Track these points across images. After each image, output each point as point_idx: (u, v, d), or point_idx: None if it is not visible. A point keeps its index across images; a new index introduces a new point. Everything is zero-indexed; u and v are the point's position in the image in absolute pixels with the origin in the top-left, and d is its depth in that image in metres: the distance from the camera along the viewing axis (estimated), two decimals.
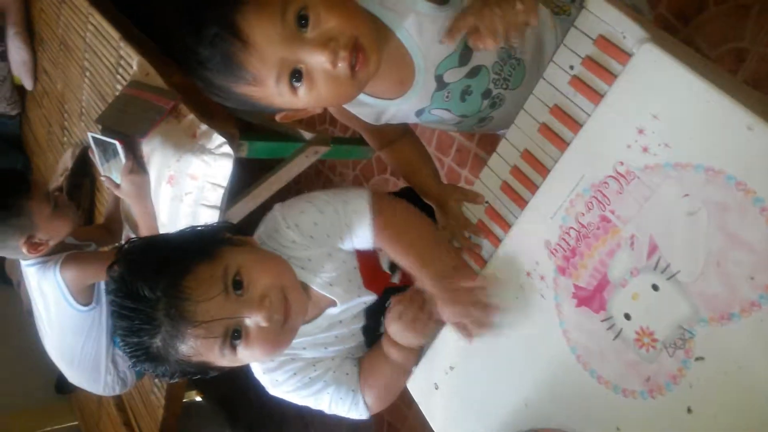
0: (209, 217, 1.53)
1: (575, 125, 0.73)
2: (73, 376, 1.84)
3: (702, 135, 0.61)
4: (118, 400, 2.23)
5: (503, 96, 0.95)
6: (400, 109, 0.94)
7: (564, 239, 0.73)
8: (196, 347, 0.78)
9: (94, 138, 1.71)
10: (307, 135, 1.81)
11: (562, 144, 0.74)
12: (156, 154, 1.64)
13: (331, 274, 0.92)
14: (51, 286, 1.67)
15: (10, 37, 2.75)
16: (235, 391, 2.74)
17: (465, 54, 0.88)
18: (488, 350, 0.83)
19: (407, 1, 0.83)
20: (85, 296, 1.71)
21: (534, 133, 0.84)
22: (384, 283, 0.97)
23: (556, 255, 0.74)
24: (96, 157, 1.74)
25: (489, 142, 1.88)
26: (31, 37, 2.79)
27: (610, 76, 0.70)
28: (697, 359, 0.62)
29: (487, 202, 0.91)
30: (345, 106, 0.95)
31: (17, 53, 2.76)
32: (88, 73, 2.26)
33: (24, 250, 1.62)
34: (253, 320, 0.80)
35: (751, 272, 0.57)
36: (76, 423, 2.71)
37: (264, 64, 0.73)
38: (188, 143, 1.56)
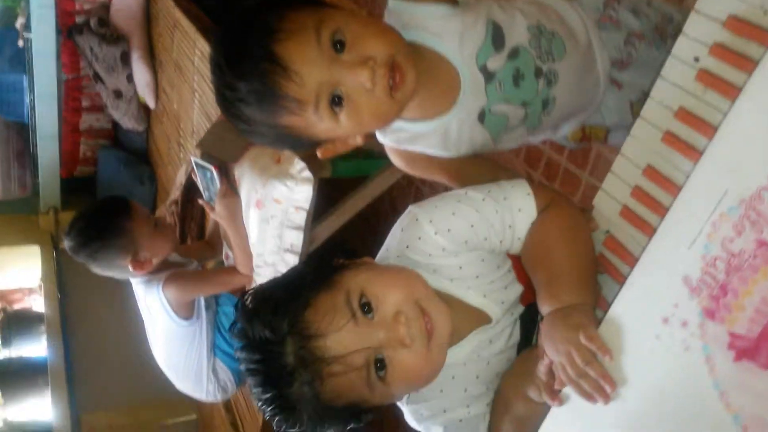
0: (295, 238, 1.61)
1: (710, 129, 0.58)
2: (179, 384, 1.96)
3: None
4: (227, 402, 2.31)
5: (555, 70, 0.90)
6: (461, 121, 0.87)
7: (709, 273, 0.57)
8: (338, 387, 0.69)
9: (195, 162, 1.82)
10: None
11: (696, 153, 0.60)
12: (245, 178, 1.72)
13: (486, 283, 0.80)
14: (155, 302, 1.78)
15: (135, 61, 3.02)
16: None
17: (496, 37, 0.86)
18: (623, 422, 0.66)
19: (423, 14, 0.85)
20: (185, 311, 1.81)
21: (657, 143, 0.70)
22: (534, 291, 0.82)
23: (700, 294, 0.58)
24: (198, 180, 1.85)
25: (579, 155, 1.73)
26: (153, 59, 3.05)
27: (751, 63, 0.56)
28: None
29: (607, 231, 0.77)
30: (412, 150, 0.90)
31: (141, 75, 3.02)
32: (197, 95, 2.39)
33: (130, 268, 1.73)
34: (392, 343, 0.70)
35: None
36: (194, 417, 2.93)
37: (303, 89, 0.74)
38: (273, 168, 1.63)
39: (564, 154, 1.80)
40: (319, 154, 0.85)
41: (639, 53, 0.95)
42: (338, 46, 0.75)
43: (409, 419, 0.83)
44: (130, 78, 3.08)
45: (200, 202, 1.86)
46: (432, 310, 0.72)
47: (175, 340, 1.84)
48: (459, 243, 0.78)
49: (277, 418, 0.73)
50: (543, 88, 0.89)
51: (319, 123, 0.77)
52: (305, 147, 0.84)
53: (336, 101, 0.76)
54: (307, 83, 0.74)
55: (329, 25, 0.74)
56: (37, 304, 3.59)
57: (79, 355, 3.15)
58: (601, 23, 0.94)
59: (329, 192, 1.61)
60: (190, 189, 2.19)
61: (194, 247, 2.13)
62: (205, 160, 1.79)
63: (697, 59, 0.66)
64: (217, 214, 1.79)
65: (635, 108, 0.96)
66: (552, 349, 0.70)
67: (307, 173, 1.53)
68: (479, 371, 0.80)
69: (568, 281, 0.73)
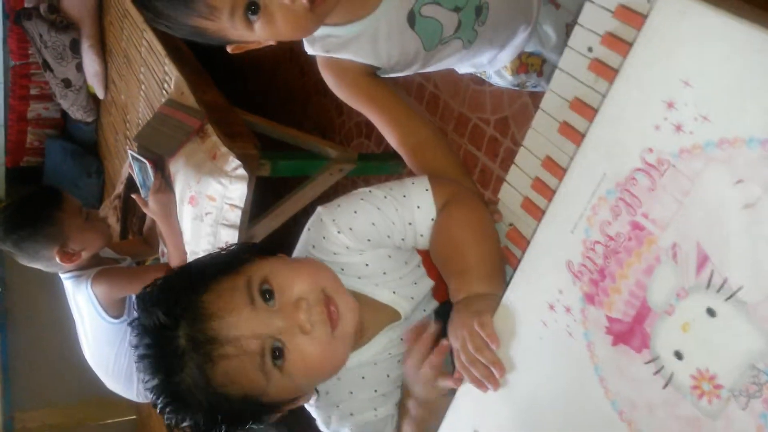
0: (229, 236, 1.58)
1: None
2: (109, 384, 1.92)
3: (752, 97, 0.44)
4: None
5: None
6: (390, 22, 0.84)
7: (589, 257, 0.57)
8: (230, 372, 0.66)
9: (132, 156, 1.79)
10: (333, 152, 1.79)
11: None
12: (180, 174, 1.69)
13: (395, 279, 0.78)
14: (84, 299, 1.74)
15: (85, 50, 2.94)
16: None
17: None
18: (514, 407, 0.66)
19: None
20: (115, 309, 1.77)
21: (554, 134, 0.70)
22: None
23: (581, 279, 0.57)
24: (134, 174, 1.82)
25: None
26: (103, 49, 2.98)
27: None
28: None
29: (510, 224, 0.76)
30: (343, 61, 0.87)
31: (90, 65, 2.95)
32: (143, 86, 2.35)
33: (57, 259, 1.69)
34: (292, 330, 0.67)
35: None
36: (134, 417, 2.91)
37: None
38: (208, 164, 1.60)
39: (497, 161, 1.81)
40: (229, 49, 0.82)
41: None
42: None
43: (319, 423, 0.81)
44: (79, 67, 3.01)
45: (134, 197, 1.81)
46: (339, 300, 0.70)
47: (104, 339, 1.79)
48: (362, 241, 0.76)
49: (168, 409, 0.69)
50: None
51: (233, 30, 0.75)
52: (217, 45, 0.82)
53: (252, 10, 0.73)
54: None
55: None
56: None
57: (16, 352, 3.08)
58: None
59: (270, 191, 1.57)
60: (133, 183, 2.13)
61: (130, 243, 2.08)
62: (141, 154, 1.75)
63: (590, 49, 0.65)
64: (150, 210, 1.75)
65: (570, 30, 0.95)
66: (452, 336, 0.70)
67: (242, 171, 1.51)
68: (390, 370, 0.79)
69: (476, 273, 0.72)
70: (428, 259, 0.81)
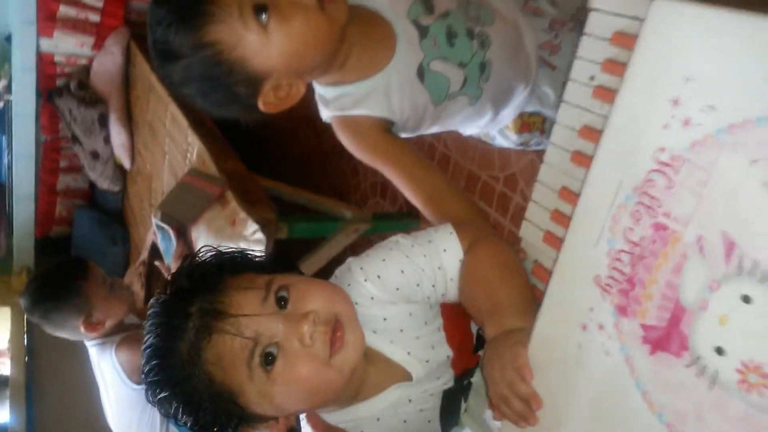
0: None
1: None
2: None
3: (753, 79, 0.46)
4: None
5: (486, 33, 0.94)
6: (401, 75, 0.89)
7: (616, 268, 0.56)
8: (219, 351, 0.65)
9: (156, 224, 1.85)
10: (348, 213, 1.84)
11: None
12: (201, 240, 1.75)
13: (411, 339, 0.76)
14: (108, 366, 1.76)
15: (112, 123, 3.06)
16: None
17: (425, 2, 0.91)
18: None
19: None
20: (138, 375, 1.77)
21: (567, 165, 0.71)
22: (468, 359, 0.80)
23: (610, 292, 0.56)
24: (158, 241, 1.88)
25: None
26: (130, 121, 3.10)
27: None
28: None
29: (535, 261, 0.76)
30: (359, 118, 0.90)
31: (117, 137, 3.05)
32: (167, 157, 2.44)
33: (82, 329, 1.72)
34: (291, 338, 0.66)
35: None
36: None
37: None
38: (227, 230, 1.65)
39: (507, 217, 1.83)
40: (261, 105, 0.83)
41: (564, 37, 0.99)
42: None
43: None
44: (107, 139, 3.15)
45: (157, 264, 1.87)
46: (348, 328, 0.69)
47: (126, 405, 1.79)
48: (390, 290, 0.75)
49: (153, 376, 0.68)
50: (478, 50, 0.92)
51: (247, 34, 0.76)
52: (245, 94, 0.82)
53: (261, 10, 0.75)
54: None
55: None
56: (5, 368, 3.45)
57: (41, 422, 3.02)
58: (524, 11, 1.00)
59: (287, 253, 1.61)
60: (157, 250, 2.19)
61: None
62: (165, 222, 1.82)
63: (592, 78, 0.68)
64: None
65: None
66: (485, 372, 0.68)
67: (260, 235, 1.55)
68: (393, 429, 0.76)
69: (508, 310, 0.71)
70: (448, 326, 0.80)
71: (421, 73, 0.90)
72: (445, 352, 0.78)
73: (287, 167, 3.11)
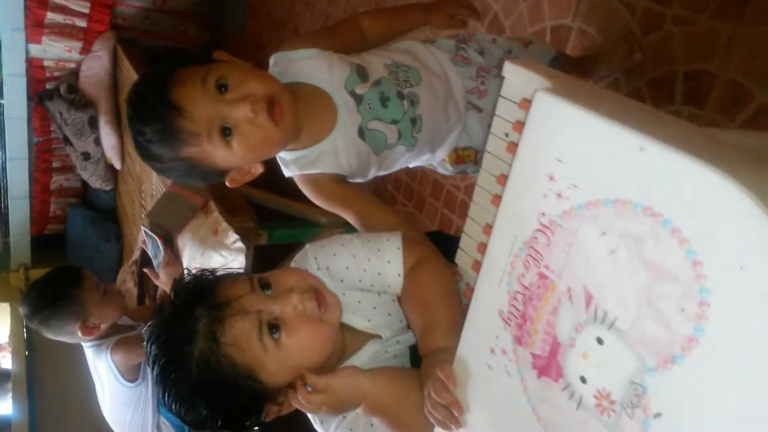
0: None
1: None
2: None
3: (603, 168, 0.57)
4: None
5: (415, 93, 1.09)
6: (345, 137, 1.05)
7: (513, 305, 0.68)
8: (234, 333, 0.77)
9: (145, 232, 1.98)
10: (324, 219, 1.99)
11: None
12: (186, 248, 1.87)
13: (369, 309, 0.90)
14: (104, 366, 1.90)
15: (102, 125, 3.22)
16: None
17: (360, 70, 1.07)
18: None
19: (296, 56, 1.06)
20: (132, 374, 1.93)
21: (489, 205, 0.82)
22: None
23: (510, 324, 0.69)
24: (148, 248, 2.00)
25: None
26: (119, 123, 3.23)
27: None
28: (655, 416, 0.53)
29: (467, 284, 0.88)
30: (317, 176, 1.06)
31: (107, 138, 3.22)
32: None
33: (79, 333, 1.86)
34: (286, 309, 0.80)
35: (680, 303, 0.50)
36: None
37: (195, 123, 0.90)
38: (210, 239, 1.77)
39: (461, 190, 1.98)
40: (227, 182, 1.01)
41: (489, 83, 1.13)
42: (222, 89, 0.92)
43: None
44: (97, 141, 3.29)
45: (145, 270, 2.00)
46: (325, 292, 0.84)
47: (122, 402, 1.94)
48: (336, 280, 0.90)
49: (177, 397, 0.79)
50: (409, 108, 1.09)
51: (215, 151, 0.93)
52: (213, 178, 1.00)
53: (226, 132, 0.92)
54: (198, 118, 0.90)
55: (214, 74, 0.93)
56: (6, 361, 3.60)
57: (43, 415, 3.17)
58: (455, 60, 1.14)
59: (266, 257, 1.73)
60: (146, 256, 2.30)
61: (145, 309, 2.23)
62: (153, 231, 1.95)
63: (506, 135, 0.79)
64: (161, 282, 1.94)
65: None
66: (423, 385, 0.80)
67: (240, 244, 1.68)
68: None
69: (441, 329, 0.83)
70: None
71: (362, 132, 1.06)
72: (400, 318, 0.92)
73: (265, 176, 3.18)
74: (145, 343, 0.83)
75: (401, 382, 0.85)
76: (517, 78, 0.75)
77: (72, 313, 1.84)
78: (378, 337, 0.90)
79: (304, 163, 1.07)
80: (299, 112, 1.00)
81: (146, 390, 1.97)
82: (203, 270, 0.89)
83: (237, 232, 1.69)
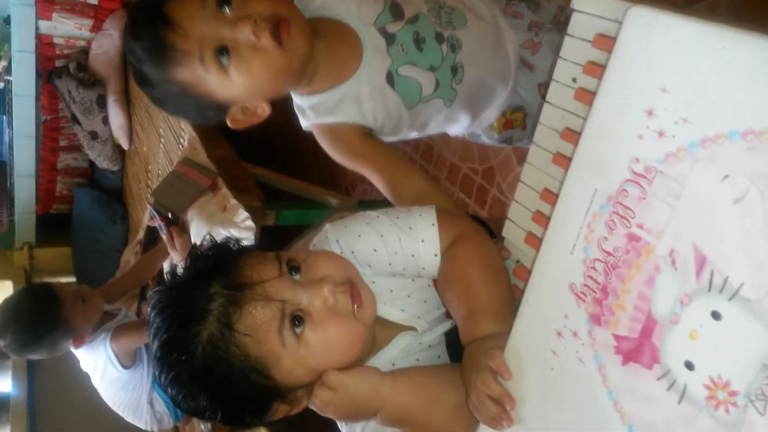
0: None
1: None
2: (126, 418, 2.02)
3: (727, 93, 0.45)
4: None
5: (457, 37, 0.94)
6: (370, 83, 0.91)
7: (591, 277, 0.55)
8: (251, 321, 0.65)
9: (151, 209, 1.92)
10: (334, 201, 1.88)
11: None
12: (193, 222, 1.79)
13: (402, 297, 0.78)
14: (101, 357, 1.84)
15: (110, 104, 3.14)
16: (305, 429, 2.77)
17: (394, 10, 0.93)
18: None
19: None
20: (130, 360, 1.89)
21: (549, 166, 0.70)
22: None
23: (585, 300, 0.56)
24: (157, 226, 1.93)
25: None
26: (128, 103, 3.16)
27: None
28: None
29: (517, 261, 0.76)
30: (335, 125, 0.92)
31: (116, 118, 3.13)
32: (162, 139, 2.48)
33: (73, 348, 1.82)
34: (315, 301, 0.68)
35: None
36: None
37: (187, 40, 0.79)
38: (218, 215, 1.70)
39: (485, 208, 1.84)
40: (228, 122, 0.88)
41: (543, 37, 1.00)
42: (224, 5, 0.81)
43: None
44: (105, 120, 3.21)
45: (163, 235, 1.88)
46: (362, 287, 0.71)
47: (120, 386, 1.91)
48: (363, 265, 0.77)
49: (176, 386, 0.68)
50: (448, 53, 0.93)
51: (209, 77, 0.82)
52: (212, 113, 0.87)
53: (223, 55, 0.80)
54: (189, 35, 0.79)
55: None
56: None
57: (42, 393, 3.13)
58: (504, 12, 1.01)
59: (274, 240, 1.64)
60: (152, 231, 2.23)
61: (110, 287, 2.11)
62: (157, 210, 1.86)
63: (574, 80, 0.67)
64: (177, 252, 1.84)
65: (543, 90, 1.00)
66: (465, 380, 0.68)
67: (250, 222, 1.57)
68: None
69: (486, 313, 0.71)
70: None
71: (391, 78, 0.92)
72: (438, 305, 0.79)
73: (276, 155, 3.13)
74: (149, 309, 0.70)
75: (430, 382, 0.72)
76: (592, 8, 0.62)
77: (62, 335, 1.77)
78: (412, 329, 0.78)
79: (323, 109, 0.93)
80: (319, 50, 0.88)
81: (143, 370, 1.92)
82: (229, 239, 0.76)
83: (246, 211, 1.59)
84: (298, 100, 0.96)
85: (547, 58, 0.99)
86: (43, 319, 1.73)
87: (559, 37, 0.99)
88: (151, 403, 1.95)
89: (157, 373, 0.70)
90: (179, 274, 0.71)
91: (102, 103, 3.12)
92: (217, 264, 0.69)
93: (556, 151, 0.69)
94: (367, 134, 0.94)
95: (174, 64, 0.81)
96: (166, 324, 0.68)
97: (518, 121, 1.05)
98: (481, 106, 1.00)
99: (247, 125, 0.90)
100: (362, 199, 2.11)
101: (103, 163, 3.41)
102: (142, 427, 2.04)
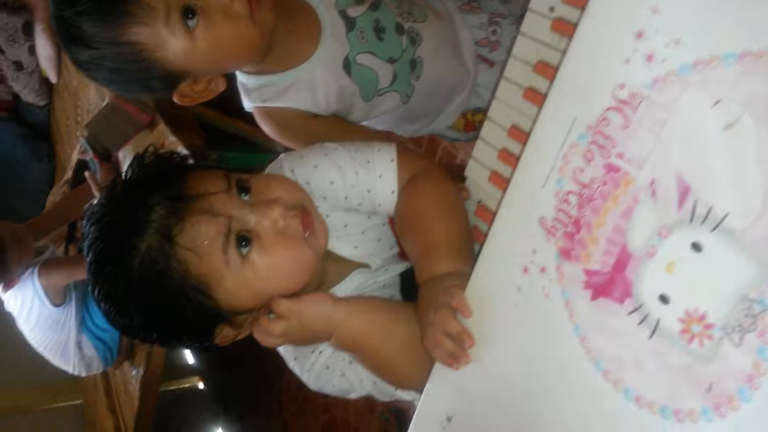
0: None
1: None
2: (52, 360, 1.92)
3: (724, 12, 0.42)
4: (107, 386, 2.23)
5: (416, 30, 0.89)
6: (326, 68, 0.84)
7: (563, 210, 0.53)
8: (192, 234, 0.61)
9: (84, 142, 1.80)
10: (280, 146, 1.79)
11: None
12: (125, 161, 1.70)
13: (356, 234, 0.75)
14: (28, 294, 1.72)
15: (38, 33, 2.87)
16: (240, 377, 2.84)
17: None
18: (490, 385, 0.61)
19: None
20: (59, 297, 1.76)
21: (519, 101, 0.67)
22: None
23: (555, 234, 0.54)
24: (87, 158, 1.82)
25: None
26: None
27: None
28: None
29: (479, 201, 0.73)
30: (283, 109, 0.85)
31: (43, 48, 2.87)
32: None
33: (2, 292, 1.69)
34: (264, 222, 0.64)
35: None
36: (80, 402, 2.79)
37: None
38: None
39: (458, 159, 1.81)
40: (175, 98, 0.78)
41: (503, 31, 0.95)
42: None
43: (306, 382, 0.75)
44: (32, 50, 2.95)
45: (86, 175, 1.77)
46: (314, 214, 0.68)
47: (47, 325, 1.79)
48: (317, 197, 0.73)
49: (111, 284, 0.64)
50: (408, 46, 0.88)
51: (172, 39, 0.71)
52: (158, 85, 0.76)
53: (189, 15, 0.70)
54: None
55: None
56: None
57: None
58: (463, 9, 0.95)
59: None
60: (84, 164, 2.08)
61: (41, 220, 1.99)
62: (90, 144, 1.74)
63: (552, 9, 0.64)
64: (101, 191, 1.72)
65: None
66: (421, 318, 0.65)
67: (191, 161, 1.49)
68: None
69: (443, 250, 0.68)
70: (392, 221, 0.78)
71: (347, 65, 0.86)
72: (392, 245, 0.77)
73: (222, 94, 2.97)
74: (84, 222, 0.65)
75: (386, 312, 0.70)
76: None
77: (1, 280, 1.64)
78: (365, 266, 0.75)
79: (270, 92, 0.86)
80: (276, 27, 0.79)
81: (71, 309, 1.81)
82: (173, 152, 0.70)
83: (186, 149, 1.50)
84: (243, 79, 0.88)
85: (506, 50, 0.95)
86: None
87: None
88: (79, 346, 1.86)
89: (90, 287, 0.65)
90: (118, 186, 0.65)
91: (28, 30, 2.86)
92: (160, 175, 0.64)
93: (528, 85, 0.66)
94: (314, 116, 0.88)
95: (132, 22, 0.69)
96: (102, 235, 0.63)
97: (481, 123, 1.02)
98: (438, 106, 0.96)
99: (195, 102, 0.81)
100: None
101: (28, 97, 3.17)
102: (69, 370, 1.95)
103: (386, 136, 1.86)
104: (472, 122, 1.02)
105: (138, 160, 0.67)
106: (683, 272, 0.45)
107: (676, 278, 0.45)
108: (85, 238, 0.64)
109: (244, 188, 0.66)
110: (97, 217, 0.64)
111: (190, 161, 0.71)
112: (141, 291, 0.62)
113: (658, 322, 0.46)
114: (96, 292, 0.64)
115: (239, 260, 0.64)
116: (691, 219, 0.44)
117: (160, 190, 0.62)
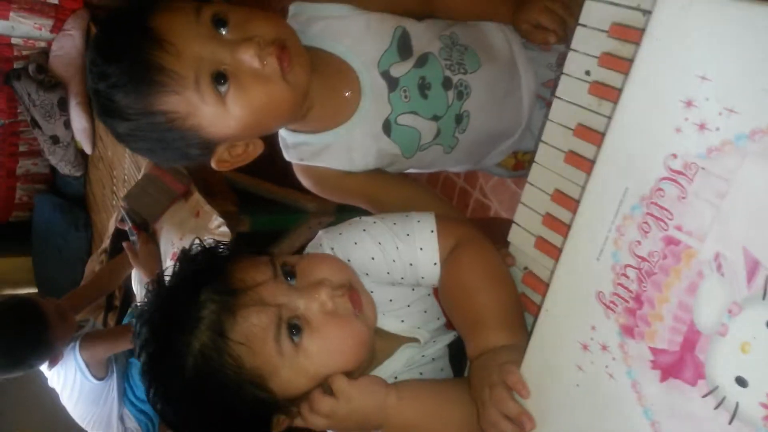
0: None
1: None
2: None
3: None
4: None
5: (466, 83, 0.85)
6: (364, 131, 0.82)
7: (621, 285, 0.51)
8: (245, 328, 0.61)
9: (123, 212, 1.83)
10: (311, 206, 1.81)
11: None
12: (163, 231, 1.70)
13: (402, 308, 0.73)
14: (71, 369, 1.72)
15: (72, 107, 2.95)
16: None
17: (402, 45, 0.82)
18: None
19: (324, 13, 0.81)
20: (101, 370, 1.77)
21: (560, 165, 0.66)
22: None
23: (615, 310, 0.51)
24: (128, 230, 1.84)
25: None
26: (90, 106, 2.95)
27: None
28: None
29: (525, 268, 0.71)
30: (320, 167, 0.85)
31: (78, 121, 2.95)
32: None
33: (48, 368, 1.70)
34: (312, 305, 0.63)
35: None
36: None
37: (180, 60, 0.67)
38: (191, 221, 1.62)
39: (468, 212, 1.80)
40: (213, 164, 0.77)
41: None
42: (220, 25, 0.70)
43: None
44: (67, 124, 3.04)
45: (124, 245, 1.79)
46: (361, 291, 0.67)
47: (90, 399, 1.80)
48: (360, 273, 0.72)
49: (165, 383, 0.63)
50: (454, 101, 0.85)
51: (203, 106, 0.70)
52: (195, 151, 0.75)
53: (220, 81, 0.69)
54: (184, 54, 0.68)
55: (210, 7, 0.71)
56: None
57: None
58: (527, 44, 0.91)
59: (249, 246, 1.59)
60: (119, 238, 2.12)
61: (75, 295, 1.99)
62: (129, 215, 1.77)
63: (588, 73, 0.63)
64: (139, 258, 1.74)
65: None
66: (474, 397, 0.63)
67: (225, 228, 1.51)
68: None
69: (492, 323, 0.66)
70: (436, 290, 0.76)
71: (388, 127, 0.84)
72: (438, 315, 0.75)
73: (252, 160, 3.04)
74: (134, 321, 0.65)
75: (436, 396, 0.68)
76: None
77: (45, 357, 1.65)
78: (413, 340, 0.73)
79: (307, 151, 0.86)
80: (313, 87, 0.78)
81: (113, 383, 1.82)
82: (218, 242, 0.70)
83: (221, 216, 1.53)
84: (284, 133, 0.88)
85: None
86: (29, 341, 1.61)
87: None
88: (121, 419, 1.86)
89: (145, 388, 0.65)
90: (166, 281, 0.65)
91: (63, 106, 2.97)
92: (207, 268, 0.64)
93: (567, 149, 0.65)
94: (351, 173, 0.87)
95: (163, 91, 0.68)
96: (153, 335, 0.63)
97: (530, 163, 1.01)
98: (482, 153, 0.94)
99: (234, 166, 0.81)
100: (339, 204, 2.06)
101: (64, 169, 3.28)
102: None
103: (427, 181, 1.87)
104: (522, 162, 1.00)
105: (184, 254, 0.67)
106: (760, 352, 0.42)
107: (753, 359, 0.42)
108: (136, 337, 0.64)
109: (289, 273, 0.65)
110: (147, 316, 0.64)
111: (233, 246, 0.70)
112: (196, 390, 0.61)
113: (737, 406, 0.43)
114: (151, 394, 0.63)
115: (293, 349, 0.63)
116: (764, 295, 0.41)
117: (208, 284, 0.62)
